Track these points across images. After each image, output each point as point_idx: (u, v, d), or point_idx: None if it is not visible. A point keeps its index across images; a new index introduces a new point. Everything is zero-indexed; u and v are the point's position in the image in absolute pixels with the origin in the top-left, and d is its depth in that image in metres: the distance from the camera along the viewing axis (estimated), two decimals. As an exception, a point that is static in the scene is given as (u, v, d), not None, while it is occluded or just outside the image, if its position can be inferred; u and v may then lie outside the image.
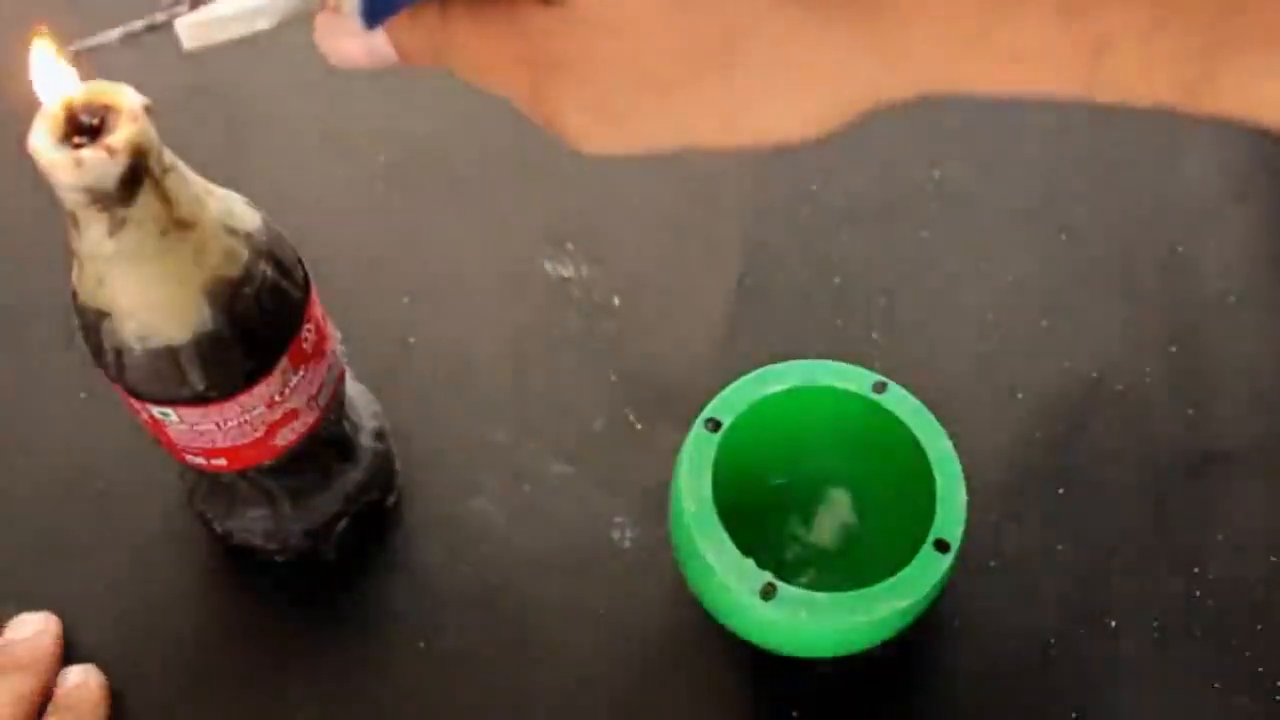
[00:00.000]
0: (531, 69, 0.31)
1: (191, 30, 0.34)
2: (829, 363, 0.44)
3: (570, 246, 0.55)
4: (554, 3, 0.29)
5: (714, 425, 0.43)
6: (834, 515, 0.47)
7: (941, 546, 0.41)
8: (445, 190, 0.57)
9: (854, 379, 0.44)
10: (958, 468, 0.42)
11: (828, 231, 0.55)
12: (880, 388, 0.44)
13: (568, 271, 0.55)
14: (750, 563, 0.41)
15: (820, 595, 0.40)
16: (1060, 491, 0.49)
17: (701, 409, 0.43)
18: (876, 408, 0.44)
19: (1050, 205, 0.56)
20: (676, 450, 0.43)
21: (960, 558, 0.41)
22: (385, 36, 0.34)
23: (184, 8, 0.35)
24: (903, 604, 0.40)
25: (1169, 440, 0.50)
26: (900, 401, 0.44)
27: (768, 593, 0.40)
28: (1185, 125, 0.58)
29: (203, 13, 0.35)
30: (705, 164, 0.57)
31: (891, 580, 0.41)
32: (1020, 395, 0.51)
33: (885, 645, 0.42)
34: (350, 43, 0.34)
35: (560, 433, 0.51)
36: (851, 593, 0.41)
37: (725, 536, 0.41)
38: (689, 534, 0.42)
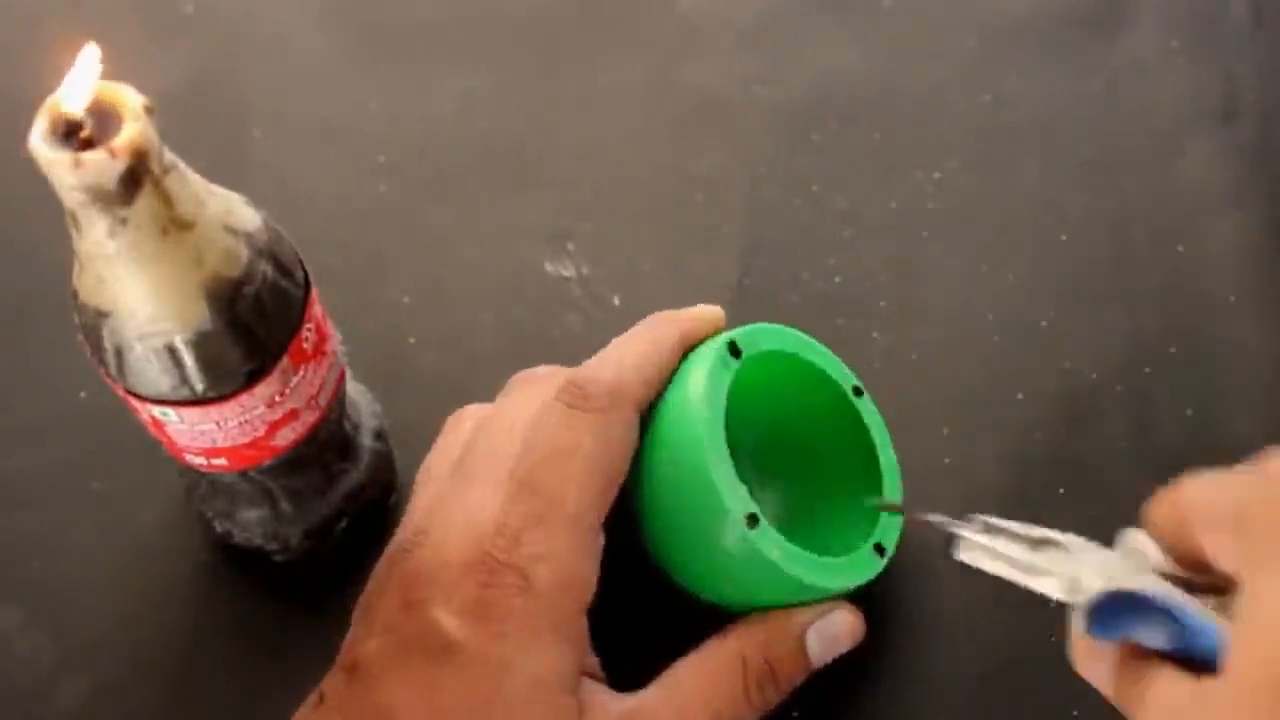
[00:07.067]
0: None
1: (970, 549, 0.38)
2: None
3: (570, 246, 0.55)
4: None
5: (735, 351, 0.41)
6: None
7: (879, 550, 0.43)
8: (445, 190, 0.57)
9: (841, 373, 0.45)
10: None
11: (828, 231, 0.55)
12: (858, 392, 0.45)
13: (568, 271, 0.55)
14: (744, 488, 0.39)
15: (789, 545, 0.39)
16: (1060, 491, 0.49)
17: None
18: (850, 409, 0.44)
19: (1050, 205, 0.56)
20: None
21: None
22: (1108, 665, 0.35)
23: (974, 525, 0.38)
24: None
25: (1169, 440, 0.50)
26: (870, 412, 0.45)
27: (752, 522, 0.39)
28: (1185, 125, 0.58)
29: (991, 540, 0.38)
30: (705, 164, 0.57)
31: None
32: (1020, 395, 0.51)
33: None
34: (1082, 649, 0.36)
35: (560, 433, 0.50)
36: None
37: (729, 457, 0.39)
38: (698, 448, 0.39)
